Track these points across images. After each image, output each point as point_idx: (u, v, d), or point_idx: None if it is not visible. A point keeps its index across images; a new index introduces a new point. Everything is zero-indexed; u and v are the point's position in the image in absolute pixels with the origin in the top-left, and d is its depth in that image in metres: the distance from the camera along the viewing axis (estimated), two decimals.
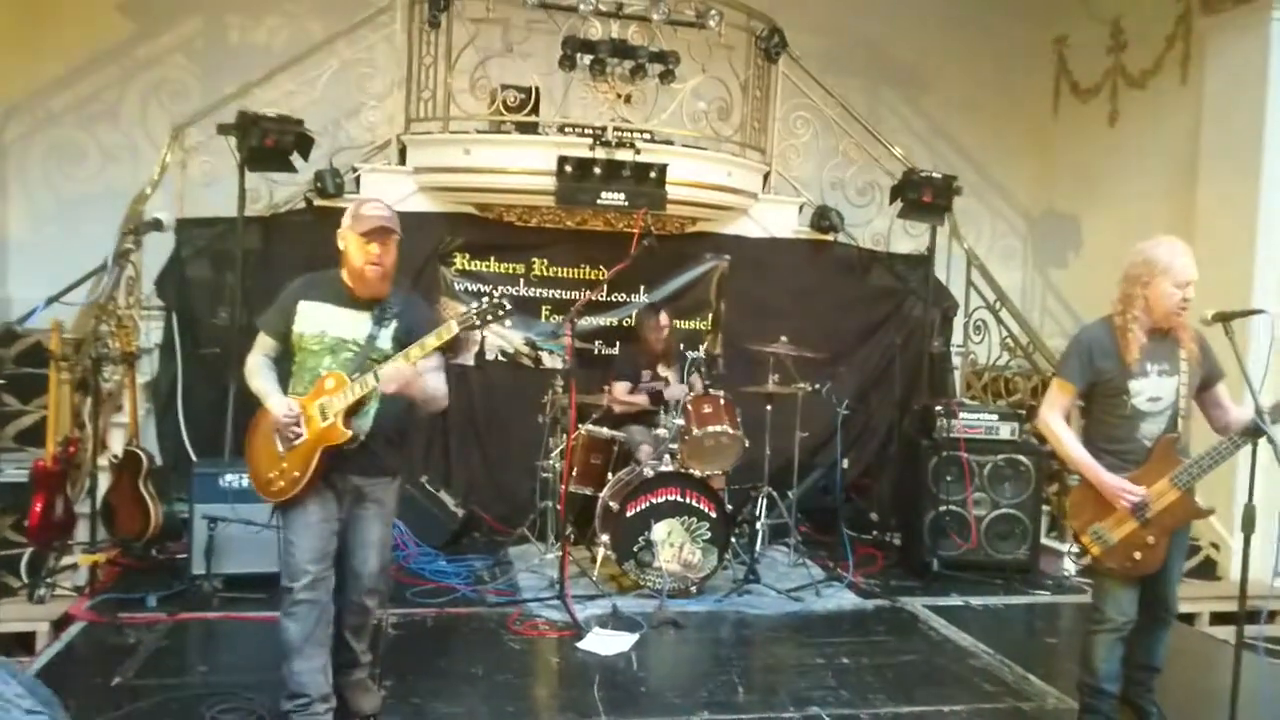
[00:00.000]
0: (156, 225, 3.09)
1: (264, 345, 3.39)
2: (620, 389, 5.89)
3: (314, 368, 3.26)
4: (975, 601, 5.27)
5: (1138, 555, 3.25)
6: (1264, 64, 5.98)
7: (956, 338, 7.09)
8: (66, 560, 4.74)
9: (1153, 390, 3.25)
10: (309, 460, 3.18)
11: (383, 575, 3.46)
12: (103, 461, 4.99)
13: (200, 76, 6.40)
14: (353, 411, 3.18)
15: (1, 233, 6.69)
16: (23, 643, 4.34)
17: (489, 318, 3.19)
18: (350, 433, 3.17)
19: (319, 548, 3.24)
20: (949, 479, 5.66)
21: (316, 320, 3.27)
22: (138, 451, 4.87)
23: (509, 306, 3.22)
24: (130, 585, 4.73)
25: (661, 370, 5.94)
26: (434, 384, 3.31)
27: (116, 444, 5.19)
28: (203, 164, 5.97)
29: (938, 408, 5.82)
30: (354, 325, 3.27)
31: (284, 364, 3.35)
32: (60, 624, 4.36)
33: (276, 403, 3.23)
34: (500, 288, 6.35)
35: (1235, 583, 5.82)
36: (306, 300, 3.30)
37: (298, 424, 3.18)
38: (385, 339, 3.27)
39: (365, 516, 3.35)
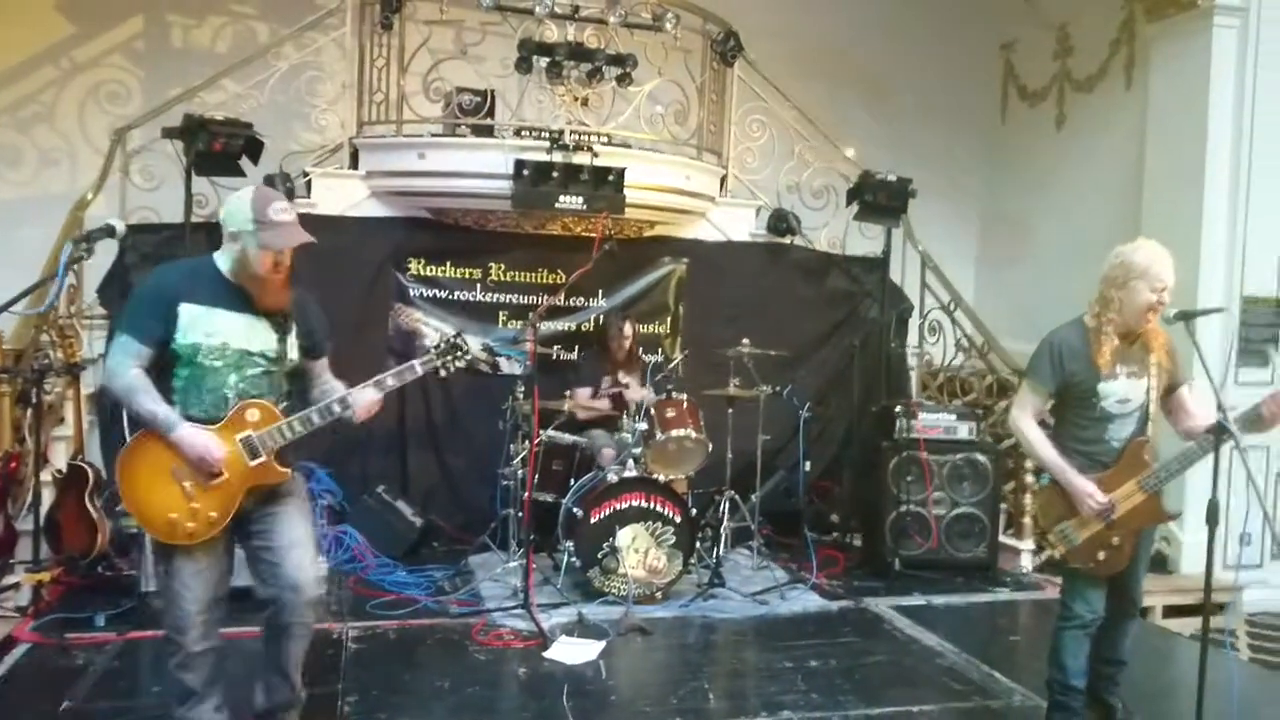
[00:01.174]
0: (110, 232, 2.96)
1: (137, 355, 2.80)
2: (583, 394, 5.84)
3: (216, 388, 2.85)
4: (938, 600, 5.31)
5: (1102, 555, 3.30)
6: (1206, 69, 6.13)
7: (912, 339, 7.16)
8: (8, 580, 4.56)
9: (1122, 392, 3.29)
10: (231, 502, 2.84)
11: (320, 579, 3.05)
12: (45, 476, 4.81)
13: (142, 78, 6.23)
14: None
15: None
16: None
17: (449, 358, 3.12)
18: (289, 472, 2.93)
19: (210, 596, 2.90)
20: (909, 479, 5.70)
21: (211, 329, 2.83)
22: (83, 465, 4.70)
23: (464, 347, 3.16)
24: (78, 604, 4.55)
25: (622, 376, 5.90)
26: None
27: (60, 458, 5.01)
28: (146, 168, 5.80)
29: (897, 408, 5.86)
30: (258, 335, 2.90)
31: (159, 377, 2.84)
32: (3, 646, 4.17)
33: (193, 440, 2.77)
34: (456, 293, 6.29)
35: (1188, 576, 6.02)
36: (190, 303, 2.83)
37: (220, 462, 2.80)
38: (292, 348, 2.98)
39: (283, 514, 2.97)
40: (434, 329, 6.22)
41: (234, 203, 2.88)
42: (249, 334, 2.89)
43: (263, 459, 2.86)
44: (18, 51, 6.50)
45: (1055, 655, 3.42)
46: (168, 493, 2.82)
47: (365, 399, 2.97)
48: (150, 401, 2.79)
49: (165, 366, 2.85)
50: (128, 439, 2.86)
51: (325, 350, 3.15)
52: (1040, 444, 3.37)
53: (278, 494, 2.98)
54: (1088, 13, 7.34)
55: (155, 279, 2.94)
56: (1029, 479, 5.98)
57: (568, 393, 5.70)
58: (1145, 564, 3.55)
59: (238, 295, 2.89)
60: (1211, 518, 3.04)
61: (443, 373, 3.14)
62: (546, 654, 4.24)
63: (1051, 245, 7.57)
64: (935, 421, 5.87)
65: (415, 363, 3.07)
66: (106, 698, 3.67)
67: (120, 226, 2.97)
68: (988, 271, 8.45)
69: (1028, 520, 6.03)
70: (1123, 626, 3.55)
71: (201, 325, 2.83)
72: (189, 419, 2.82)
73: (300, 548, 2.95)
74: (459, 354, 3.14)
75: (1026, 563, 6.01)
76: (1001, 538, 6.01)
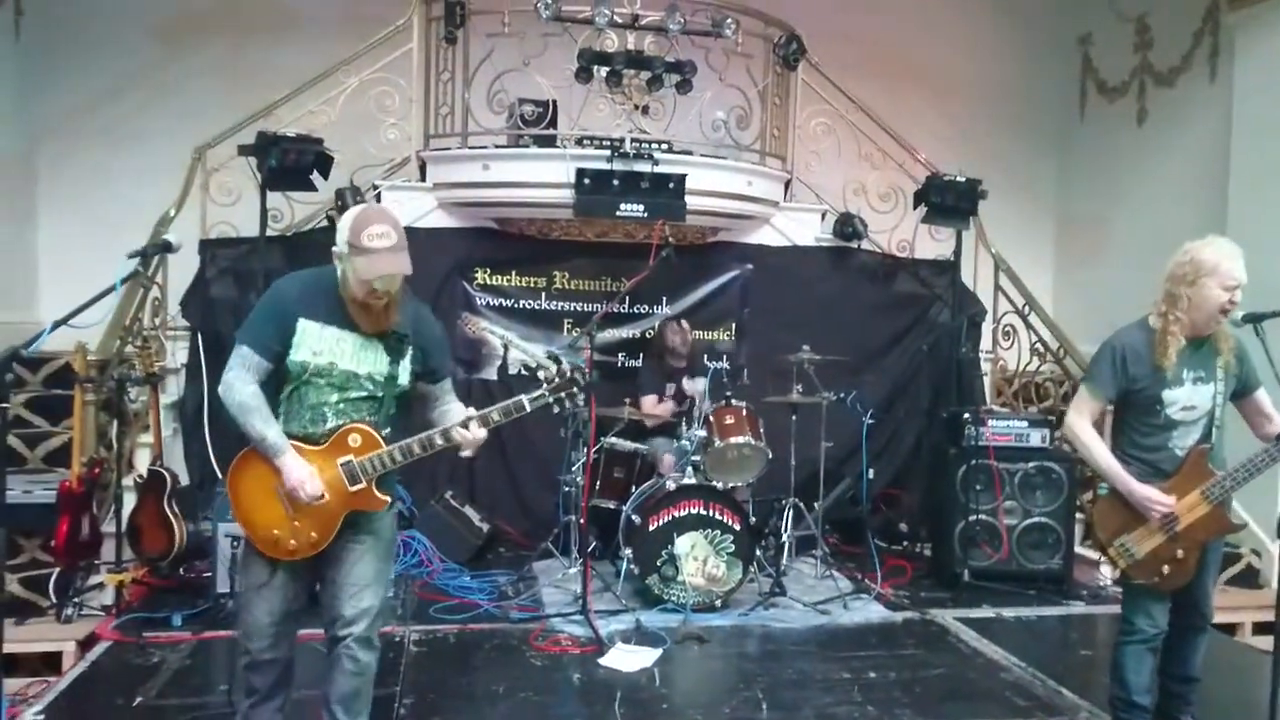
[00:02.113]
0: (166, 247, 3.07)
1: (254, 368, 2.79)
2: (648, 402, 5.85)
3: (317, 404, 2.83)
4: (1007, 613, 5.16)
5: (1166, 570, 3.17)
6: None
7: (985, 344, 6.98)
8: (93, 580, 4.78)
9: (1187, 399, 3.17)
10: (332, 524, 2.83)
11: (379, 620, 2.95)
12: (128, 481, 5.03)
13: (223, 98, 6.45)
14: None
15: (32, 257, 6.80)
16: (50, 662, 4.37)
17: (562, 395, 2.94)
18: (388, 500, 2.89)
19: (284, 610, 2.92)
20: (978, 488, 5.56)
21: (322, 349, 2.79)
22: (162, 471, 4.89)
23: (583, 382, 2.97)
24: (156, 604, 4.76)
25: (685, 382, 5.90)
26: None
27: (142, 464, 5.23)
28: (225, 184, 6.03)
29: (965, 415, 5.72)
30: (368, 358, 2.83)
31: (268, 390, 2.84)
32: (86, 644, 4.39)
33: (296, 471, 2.76)
34: (521, 301, 6.38)
35: (1276, 590, 5.71)
36: (308, 319, 2.79)
37: (321, 495, 2.78)
38: (404, 374, 2.88)
39: (357, 551, 2.90)
40: (499, 337, 6.31)
41: (342, 220, 2.83)
42: (359, 355, 2.84)
43: (362, 485, 2.83)
44: (113, 74, 6.85)
45: (1117, 671, 3.30)
46: (272, 509, 2.83)
47: (472, 437, 2.86)
48: (260, 423, 2.79)
49: (279, 379, 2.85)
50: (209, 446, 2.93)
51: (444, 374, 3.04)
52: (1097, 449, 3.26)
53: (364, 528, 2.92)
54: (1168, 3, 7.07)
55: (276, 290, 2.89)
56: (1105, 490, 5.76)
57: (628, 400, 5.72)
58: (1214, 575, 3.41)
59: (349, 313, 2.83)
60: None
61: (556, 409, 2.99)
62: (602, 660, 4.26)
63: (1130, 246, 7.28)
64: (1006, 429, 5.71)
65: (524, 398, 2.91)
66: (178, 694, 3.82)
67: (176, 241, 3.06)
68: (1064, 273, 8.18)
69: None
70: (1192, 642, 3.41)
71: (311, 342, 2.80)
72: (287, 434, 2.83)
73: (363, 588, 2.90)
74: (574, 390, 2.94)
75: (1105, 575, 5.78)
76: (1078, 549, 5.81)
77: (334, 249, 2.81)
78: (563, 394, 2.93)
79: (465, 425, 2.89)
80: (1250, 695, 4.22)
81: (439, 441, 2.88)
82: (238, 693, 3.13)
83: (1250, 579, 5.81)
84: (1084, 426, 3.28)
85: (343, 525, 2.88)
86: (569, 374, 2.93)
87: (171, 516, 4.83)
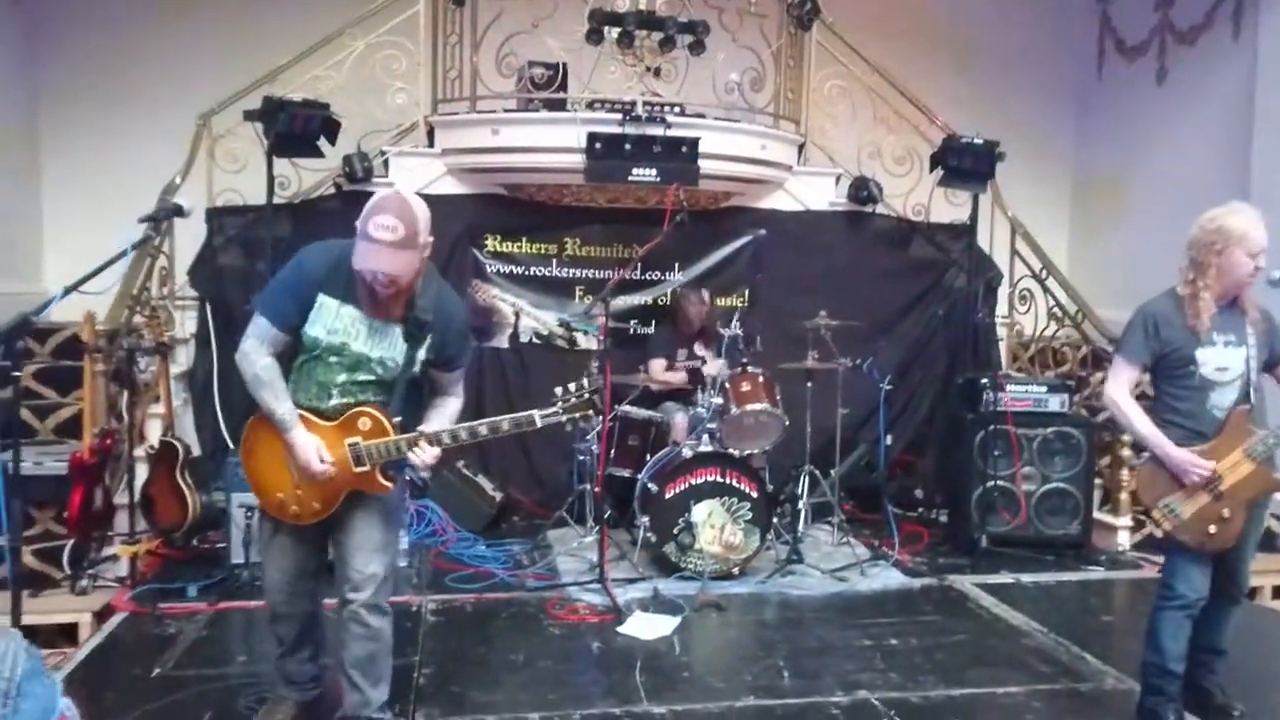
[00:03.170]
0: (178, 211, 3.02)
1: (270, 338, 2.79)
2: (657, 367, 5.80)
3: (324, 381, 2.82)
4: (1026, 579, 5.12)
5: (1213, 529, 3.14)
6: None
7: (1001, 308, 6.89)
8: (107, 551, 4.76)
9: (1220, 360, 3.15)
10: (334, 498, 2.86)
11: (387, 585, 2.95)
12: (140, 452, 4.99)
13: (227, 64, 6.32)
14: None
15: (36, 228, 6.73)
16: (67, 634, 4.35)
17: (576, 416, 2.87)
18: (390, 486, 2.86)
19: (295, 568, 2.99)
20: (996, 453, 5.50)
21: (338, 327, 2.77)
22: (174, 442, 4.85)
23: (599, 406, 2.90)
24: (171, 576, 4.74)
25: (698, 349, 5.84)
26: None
27: (154, 435, 5.20)
28: (231, 151, 5.93)
29: (983, 380, 5.65)
30: (382, 342, 2.81)
31: (284, 358, 2.85)
32: (102, 615, 4.38)
33: (305, 449, 2.76)
34: (533, 268, 6.30)
35: None
36: (327, 294, 2.77)
37: (328, 473, 2.79)
38: (417, 362, 2.85)
39: (362, 517, 2.90)
40: (510, 305, 6.25)
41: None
42: (373, 339, 2.80)
43: (367, 469, 2.82)
44: (115, 42, 6.73)
45: (1153, 637, 3.27)
46: (280, 475, 2.87)
47: (429, 459, 2.80)
48: (272, 398, 2.79)
49: (293, 347, 2.85)
50: (219, 416, 2.94)
51: (459, 364, 3.00)
52: (1136, 417, 3.24)
53: (366, 494, 2.91)
54: None
55: (300, 262, 2.83)
56: (1125, 453, 5.72)
57: (641, 366, 5.66)
58: (1255, 543, 3.38)
59: (367, 295, 2.78)
60: None
61: (569, 428, 2.94)
62: (620, 629, 4.23)
63: (1150, 208, 7.17)
64: (1024, 394, 5.65)
65: (535, 413, 2.84)
66: (196, 665, 3.80)
67: (188, 206, 2.99)
68: (1081, 237, 8.07)
69: (1124, 496, 5.76)
70: (1226, 612, 3.38)
71: (327, 319, 2.77)
72: (295, 403, 2.83)
73: (367, 552, 2.89)
74: (590, 411, 2.87)
75: (1123, 540, 5.74)
76: (1096, 514, 5.77)
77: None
78: (577, 415, 2.86)
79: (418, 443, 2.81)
80: (1270, 659, 4.21)
81: (403, 450, 2.81)
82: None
83: (1269, 543, 5.75)
84: (1123, 394, 3.28)
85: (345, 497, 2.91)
86: (586, 395, 2.86)
87: (184, 487, 4.79)
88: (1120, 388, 3.29)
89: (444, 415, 2.96)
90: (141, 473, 4.91)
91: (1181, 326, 3.17)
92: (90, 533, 4.61)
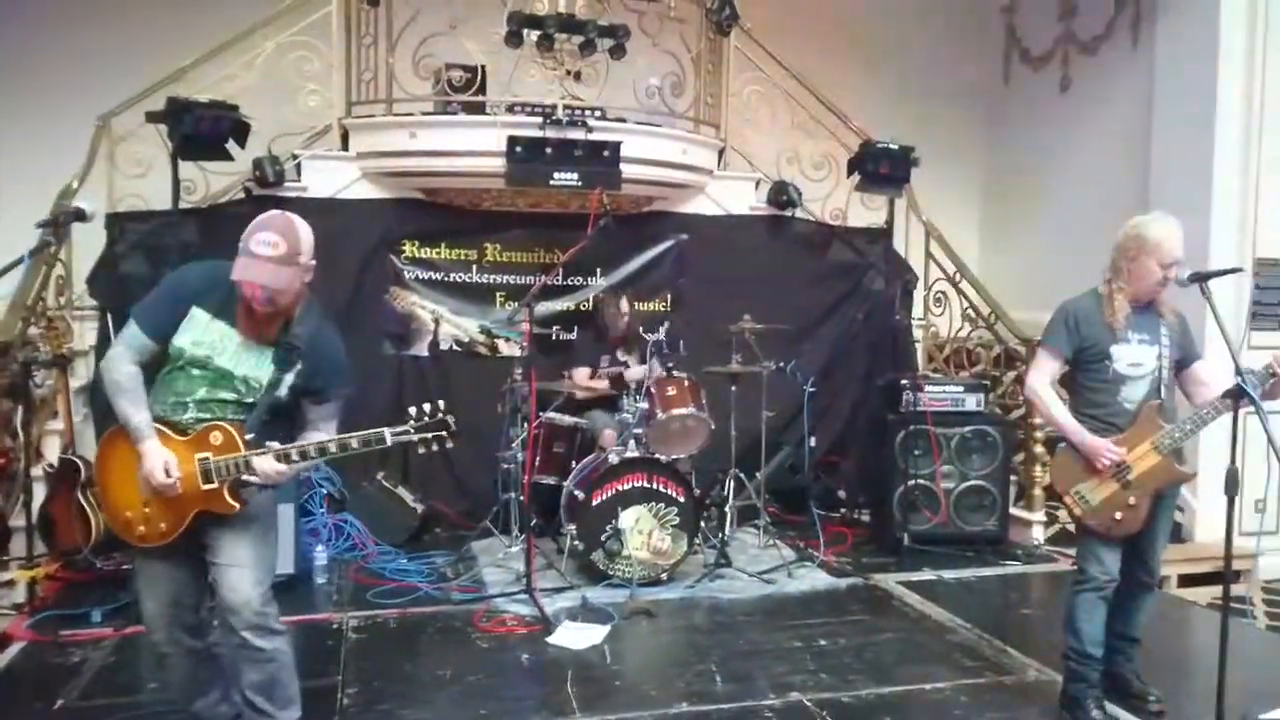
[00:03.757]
0: (79, 215, 2.86)
1: (138, 346, 2.74)
2: (581, 374, 5.75)
3: (182, 393, 2.74)
4: (948, 575, 5.22)
5: (1119, 515, 3.27)
6: (1215, 25, 5.98)
7: (917, 311, 7.04)
8: (3, 577, 4.49)
9: (1133, 356, 3.31)
10: (180, 519, 2.73)
11: (264, 602, 2.80)
12: (38, 471, 4.73)
13: (128, 62, 6.04)
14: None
15: None
16: None
17: (428, 435, 2.74)
18: (238, 506, 2.73)
19: (172, 600, 2.84)
20: (917, 453, 5.61)
21: (204, 340, 2.73)
22: (74, 459, 4.61)
23: (452, 428, 2.76)
24: (74, 600, 4.47)
25: (621, 355, 5.81)
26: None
27: (52, 453, 4.94)
28: (133, 154, 5.68)
29: (903, 382, 5.75)
30: (249, 361, 2.76)
31: (150, 369, 2.79)
32: None
33: (154, 459, 2.66)
34: (452, 274, 6.19)
35: (1202, 544, 5.92)
36: (201, 307, 2.74)
37: (175, 486, 2.67)
38: (284, 387, 2.77)
39: (229, 533, 2.78)
40: (430, 312, 6.13)
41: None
42: (239, 356, 2.76)
43: (215, 486, 2.71)
44: (6, 38, 6.39)
45: (1071, 621, 3.38)
46: (130, 493, 2.76)
47: (271, 472, 2.69)
48: (129, 405, 2.72)
49: (158, 362, 2.78)
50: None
51: (329, 398, 2.88)
52: (1054, 405, 3.39)
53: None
54: None
55: (179, 274, 2.84)
56: (1039, 450, 5.89)
57: (565, 373, 5.60)
58: (1165, 533, 3.52)
59: (242, 314, 2.75)
60: (1230, 487, 2.94)
61: (421, 449, 2.79)
62: (550, 639, 4.16)
63: (1058, 212, 7.42)
64: (942, 394, 5.77)
65: (385, 431, 2.73)
66: (103, 694, 3.59)
67: (90, 209, 2.84)
68: (993, 240, 8.31)
69: (1039, 492, 5.93)
70: (1140, 600, 3.51)
71: (195, 331, 2.73)
72: (159, 420, 2.74)
73: (239, 569, 2.78)
74: (443, 432, 2.76)
75: (1038, 535, 5.92)
76: (1012, 510, 5.93)
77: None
78: (429, 435, 2.75)
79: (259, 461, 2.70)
80: (1180, 644, 4.38)
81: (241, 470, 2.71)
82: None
83: (1174, 534, 5.98)
84: (1043, 385, 3.42)
85: (210, 517, 2.78)
86: (440, 417, 2.76)
87: (87, 507, 4.56)
88: (1042, 378, 3.43)
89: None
90: (40, 492, 4.65)
91: (1100, 323, 3.31)
92: None
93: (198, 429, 2.73)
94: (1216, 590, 4.64)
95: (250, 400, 2.77)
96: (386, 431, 2.72)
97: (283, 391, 2.78)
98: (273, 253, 2.62)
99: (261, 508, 2.88)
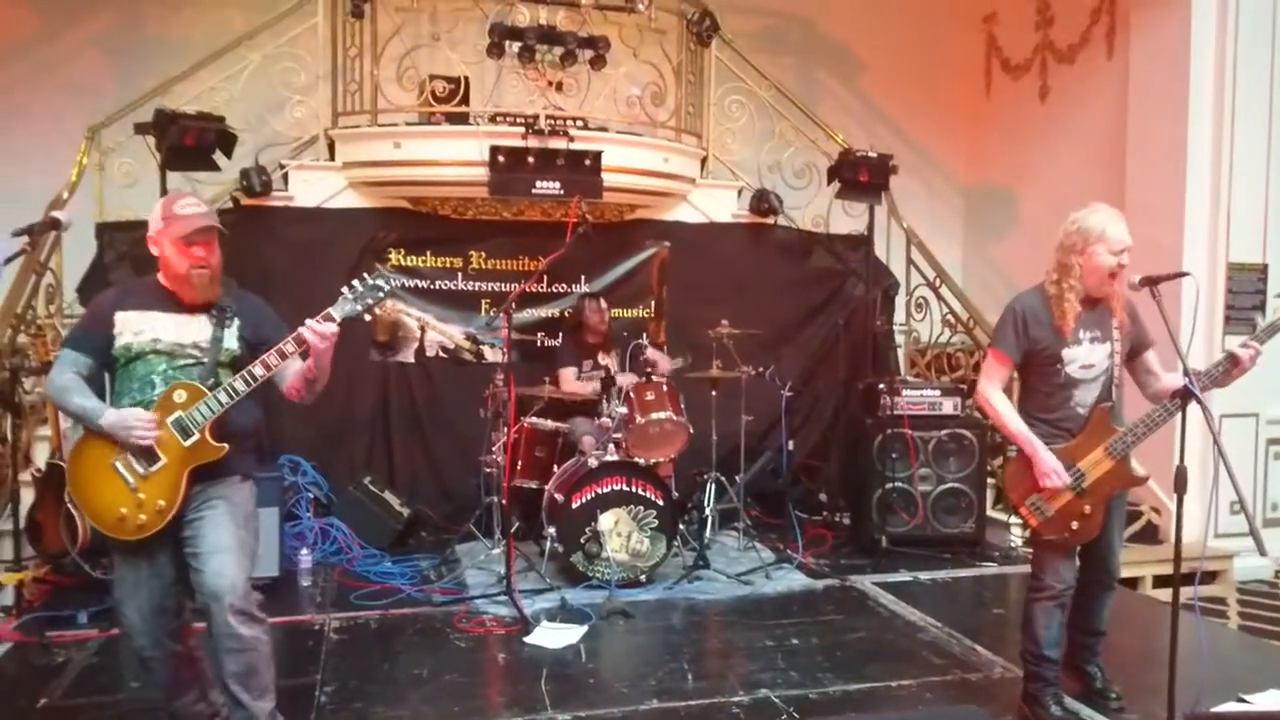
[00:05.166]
0: (54, 224, 2.94)
1: (74, 363, 2.86)
2: (567, 375, 5.83)
3: (145, 375, 2.85)
4: (923, 576, 5.30)
5: (1075, 525, 3.28)
6: (1187, 35, 6.07)
7: (899, 316, 7.12)
8: None
9: (1085, 358, 3.27)
10: (175, 487, 2.79)
11: (248, 589, 2.86)
12: (26, 477, 4.81)
13: (116, 73, 6.18)
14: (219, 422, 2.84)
15: None
16: None
17: (369, 302, 2.89)
18: (225, 446, 2.84)
19: (153, 606, 2.89)
20: (894, 456, 5.69)
21: (140, 328, 2.86)
22: (62, 465, 4.68)
23: (387, 287, 2.93)
24: (61, 603, 4.55)
25: (601, 359, 5.89)
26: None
27: (40, 458, 5.01)
28: (122, 165, 5.78)
29: (881, 386, 5.84)
30: (191, 329, 2.91)
31: (96, 385, 2.89)
32: None
33: (117, 414, 2.76)
34: (437, 282, 6.28)
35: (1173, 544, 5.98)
36: (124, 310, 2.88)
37: (156, 430, 2.76)
38: (231, 339, 2.94)
39: (210, 518, 2.86)
40: (415, 319, 6.22)
41: (152, 211, 2.93)
42: (180, 329, 2.90)
43: (196, 437, 2.81)
44: None
45: (1028, 627, 3.40)
46: (113, 488, 2.79)
47: (320, 325, 2.80)
48: (79, 397, 2.82)
49: (108, 371, 2.91)
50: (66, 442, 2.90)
51: (280, 339, 2.95)
52: (1008, 415, 3.34)
53: (211, 496, 2.89)
54: None
55: (95, 298, 3.02)
56: (1014, 453, 5.95)
57: (547, 378, 5.69)
58: (1120, 533, 3.54)
59: (169, 297, 2.91)
60: (1180, 485, 3.01)
61: (367, 317, 2.93)
62: (528, 639, 4.24)
63: (1036, 218, 7.52)
64: (919, 398, 5.85)
65: (331, 310, 2.85)
66: (86, 694, 3.67)
67: (65, 219, 2.92)
68: (973, 246, 8.40)
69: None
70: (1100, 598, 3.55)
71: (132, 326, 2.87)
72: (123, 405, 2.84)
73: (223, 554, 2.84)
74: (379, 292, 2.91)
75: (1015, 537, 5.99)
76: (989, 512, 6.00)
77: (150, 235, 2.90)
78: (368, 298, 2.91)
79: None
80: (1151, 644, 4.43)
81: (258, 372, 2.84)
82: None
83: (1150, 535, 6.06)
84: (994, 392, 3.36)
85: (193, 497, 2.86)
86: (374, 280, 2.93)
87: (74, 512, 4.62)
88: (993, 385, 3.37)
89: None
90: (28, 497, 4.72)
91: (1049, 325, 3.27)
92: None
93: (157, 399, 2.83)
94: (1189, 590, 4.71)
95: (206, 360, 2.90)
96: (332, 310, 2.86)
97: (231, 344, 2.93)
98: (200, 209, 2.89)
99: (243, 496, 2.97)
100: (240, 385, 2.83)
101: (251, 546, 3.00)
